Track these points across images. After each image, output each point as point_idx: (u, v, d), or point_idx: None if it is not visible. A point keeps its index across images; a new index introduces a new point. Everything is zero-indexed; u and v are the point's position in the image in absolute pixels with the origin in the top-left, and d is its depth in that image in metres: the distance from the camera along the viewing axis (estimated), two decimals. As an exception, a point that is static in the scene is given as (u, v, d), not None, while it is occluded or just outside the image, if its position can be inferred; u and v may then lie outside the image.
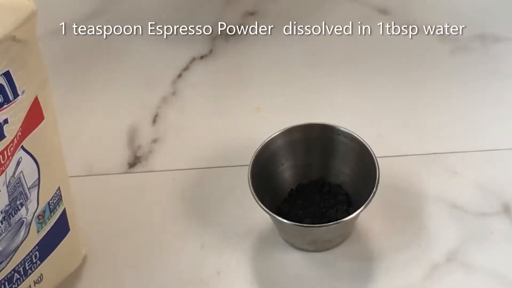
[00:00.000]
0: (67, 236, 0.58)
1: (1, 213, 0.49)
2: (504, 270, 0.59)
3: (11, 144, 0.47)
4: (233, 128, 0.71)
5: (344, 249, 0.61)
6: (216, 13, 0.81)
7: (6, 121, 0.46)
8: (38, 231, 0.54)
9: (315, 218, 0.61)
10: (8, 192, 0.49)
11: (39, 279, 0.57)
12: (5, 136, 0.46)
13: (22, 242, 0.53)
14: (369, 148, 0.60)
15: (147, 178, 0.68)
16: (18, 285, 0.55)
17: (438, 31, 0.77)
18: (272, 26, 0.79)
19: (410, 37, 0.77)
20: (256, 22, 0.80)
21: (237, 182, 0.63)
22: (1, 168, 0.47)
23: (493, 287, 0.59)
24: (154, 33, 0.80)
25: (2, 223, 0.50)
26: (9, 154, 0.47)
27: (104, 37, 0.80)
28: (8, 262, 0.52)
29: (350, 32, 0.78)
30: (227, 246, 0.62)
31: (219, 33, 0.79)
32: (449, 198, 0.64)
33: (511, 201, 0.63)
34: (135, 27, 0.80)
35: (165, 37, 0.79)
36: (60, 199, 0.56)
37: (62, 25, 0.81)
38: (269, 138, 0.61)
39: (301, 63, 0.76)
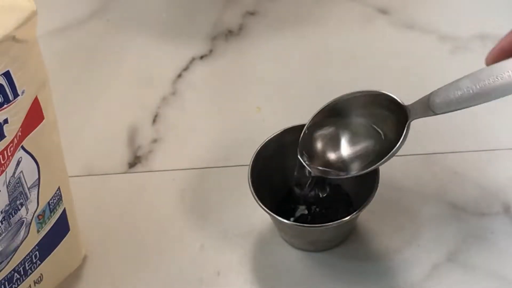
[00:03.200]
0: (67, 236, 0.58)
1: (1, 213, 0.49)
2: (504, 270, 0.59)
3: (11, 144, 0.47)
4: (233, 128, 0.71)
5: (344, 249, 0.61)
6: (216, 13, 0.81)
7: (6, 121, 0.46)
8: (38, 231, 0.54)
9: (315, 218, 0.61)
10: (8, 192, 0.49)
11: (39, 279, 0.57)
12: (5, 136, 0.46)
13: (22, 242, 0.53)
14: (369, 148, 0.60)
15: (147, 178, 0.68)
16: (18, 285, 0.55)
17: (438, 31, 0.77)
18: (272, 26, 0.79)
19: (410, 37, 0.77)
20: (256, 22, 0.80)
21: (237, 182, 0.63)
22: (1, 168, 0.47)
23: (493, 287, 0.59)
24: (154, 33, 0.80)
25: (2, 223, 0.50)
26: (9, 154, 0.47)
27: (104, 37, 0.80)
28: (8, 262, 0.52)
29: (350, 32, 0.78)
30: (227, 246, 0.62)
31: (219, 33, 0.79)
32: (449, 198, 0.64)
33: (511, 201, 0.63)
34: (135, 27, 0.80)
35: (165, 37, 0.79)
36: (60, 199, 0.56)
37: (62, 25, 0.81)
38: (269, 138, 0.61)
39: (301, 63, 0.76)
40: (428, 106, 0.53)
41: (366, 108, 0.58)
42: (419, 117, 0.54)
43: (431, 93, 0.54)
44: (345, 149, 0.58)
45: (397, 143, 0.54)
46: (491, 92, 0.50)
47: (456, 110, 0.52)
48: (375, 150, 0.57)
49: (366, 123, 0.58)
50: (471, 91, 0.51)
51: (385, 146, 0.56)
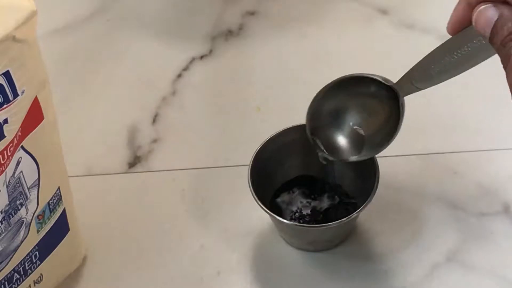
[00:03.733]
0: (67, 236, 0.58)
1: (1, 213, 0.49)
2: (504, 270, 0.59)
3: (11, 144, 0.47)
4: (233, 128, 0.71)
5: (344, 249, 0.61)
6: (216, 13, 0.81)
7: (6, 121, 0.46)
8: (38, 231, 0.54)
9: (315, 218, 0.61)
10: (8, 192, 0.49)
11: (39, 279, 0.57)
12: (5, 136, 0.46)
13: (22, 242, 0.53)
14: (369, 148, 0.60)
15: (147, 178, 0.68)
16: (18, 285, 0.55)
17: (438, 31, 0.77)
18: (272, 26, 0.79)
19: (410, 37, 0.77)
20: (256, 22, 0.80)
21: (237, 182, 0.63)
22: (1, 168, 0.47)
23: (493, 287, 0.59)
24: (154, 33, 0.80)
25: (2, 223, 0.50)
26: (9, 154, 0.47)
27: (104, 37, 0.80)
28: (8, 262, 0.52)
29: (350, 32, 0.78)
30: (227, 246, 0.62)
31: (219, 33, 0.79)
32: (449, 198, 0.64)
33: (511, 201, 0.63)
34: (135, 27, 0.80)
35: (165, 37, 0.79)
36: (60, 199, 0.56)
37: (62, 25, 0.81)
38: (269, 138, 0.61)
39: (301, 63, 0.76)
40: (411, 83, 0.54)
41: (355, 92, 0.57)
42: (407, 94, 0.54)
43: (410, 71, 0.54)
44: (345, 139, 0.58)
45: (396, 124, 0.54)
46: (465, 61, 0.50)
47: (438, 82, 0.52)
48: (371, 135, 0.57)
49: (358, 111, 0.57)
50: (446, 63, 0.51)
51: (381, 131, 0.56)
